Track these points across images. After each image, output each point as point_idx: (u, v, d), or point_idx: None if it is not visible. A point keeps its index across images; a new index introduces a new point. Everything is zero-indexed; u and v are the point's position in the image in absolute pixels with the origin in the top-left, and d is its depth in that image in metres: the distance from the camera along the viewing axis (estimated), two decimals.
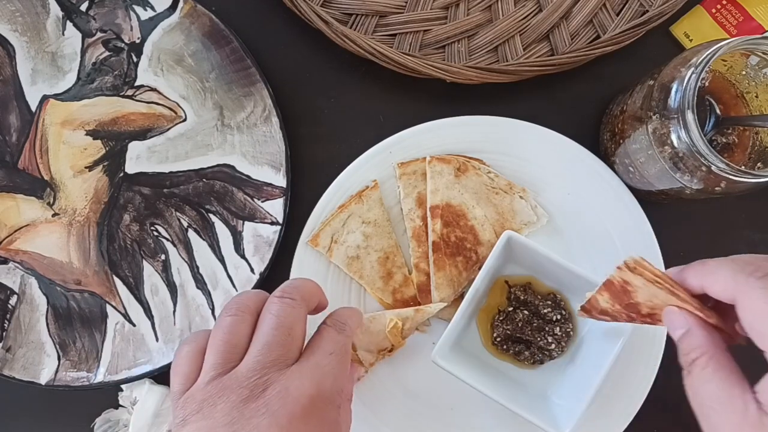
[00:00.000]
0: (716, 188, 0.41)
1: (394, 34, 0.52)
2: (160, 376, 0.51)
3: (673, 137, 0.41)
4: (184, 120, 0.53)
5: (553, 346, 0.48)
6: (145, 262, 0.52)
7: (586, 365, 0.47)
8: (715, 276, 0.32)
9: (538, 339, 0.48)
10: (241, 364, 0.34)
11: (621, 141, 0.47)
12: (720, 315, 0.34)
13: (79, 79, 0.52)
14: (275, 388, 0.33)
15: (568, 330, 0.48)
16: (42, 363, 0.51)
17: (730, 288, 0.31)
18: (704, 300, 0.34)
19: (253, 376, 0.33)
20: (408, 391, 0.50)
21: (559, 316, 0.48)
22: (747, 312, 0.30)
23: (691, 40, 0.53)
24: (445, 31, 0.52)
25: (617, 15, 0.52)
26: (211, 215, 0.52)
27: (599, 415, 0.48)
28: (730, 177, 0.39)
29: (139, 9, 0.52)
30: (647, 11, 0.51)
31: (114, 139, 0.53)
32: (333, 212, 0.50)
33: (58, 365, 0.51)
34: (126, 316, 0.52)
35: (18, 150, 0.52)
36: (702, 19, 0.53)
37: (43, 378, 0.51)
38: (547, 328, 0.48)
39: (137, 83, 0.52)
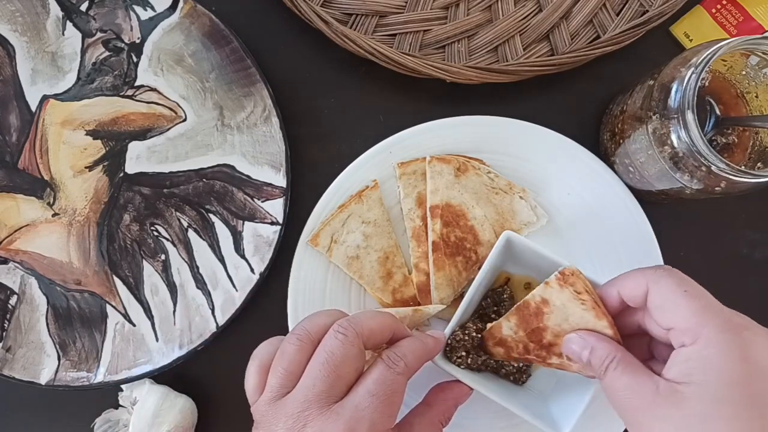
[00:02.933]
0: (716, 188, 0.41)
1: (394, 34, 0.52)
2: (160, 376, 0.51)
3: (673, 137, 0.41)
4: (184, 120, 0.53)
5: (513, 377, 0.47)
6: (145, 262, 0.52)
7: None
8: (627, 279, 0.37)
9: (501, 366, 0.47)
10: (293, 392, 0.36)
11: (621, 141, 0.47)
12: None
13: (79, 79, 0.52)
14: (312, 428, 0.35)
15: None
16: (42, 363, 0.51)
17: (641, 283, 0.36)
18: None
19: (298, 408, 0.35)
20: (408, 392, 0.50)
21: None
22: (656, 297, 0.35)
23: (691, 40, 0.53)
24: (445, 31, 0.52)
25: (617, 15, 0.52)
26: (211, 215, 0.52)
27: (599, 415, 0.48)
28: (730, 177, 0.39)
29: (139, 9, 0.52)
30: (647, 11, 0.51)
31: (114, 139, 0.53)
32: (333, 212, 0.50)
33: (58, 365, 0.51)
34: (126, 316, 0.52)
35: (18, 150, 0.52)
36: (702, 19, 0.53)
37: (43, 378, 0.51)
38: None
39: (137, 83, 0.52)
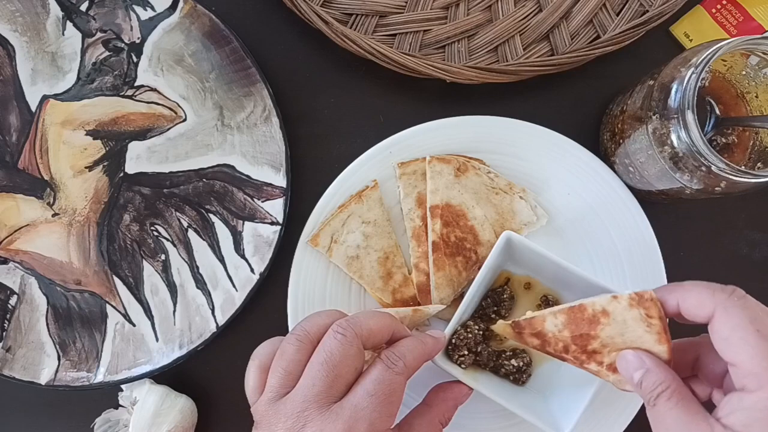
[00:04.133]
0: (716, 188, 0.41)
1: (394, 34, 0.52)
2: (160, 376, 0.51)
3: (673, 137, 0.41)
4: (184, 120, 0.53)
5: (513, 377, 0.47)
6: (145, 262, 0.52)
7: None
8: (693, 294, 0.34)
9: (501, 366, 0.47)
10: (292, 392, 0.36)
11: (621, 141, 0.47)
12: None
13: (79, 79, 0.52)
14: (312, 428, 0.35)
15: (525, 361, 0.47)
16: (42, 363, 0.51)
17: (707, 304, 0.33)
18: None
19: (297, 408, 0.35)
20: (408, 392, 0.50)
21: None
22: (725, 328, 0.32)
23: (691, 40, 0.53)
24: (445, 31, 0.52)
25: (617, 15, 0.52)
26: (211, 215, 0.52)
27: (599, 415, 0.48)
28: (730, 177, 0.39)
29: (139, 9, 0.52)
30: (647, 11, 0.51)
31: (114, 139, 0.53)
32: (333, 212, 0.50)
33: (58, 365, 0.51)
34: (126, 316, 0.52)
35: (18, 150, 0.52)
36: (702, 19, 0.53)
37: (43, 378, 0.51)
38: (503, 357, 0.47)
39: (137, 83, 0.52)
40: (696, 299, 0.34)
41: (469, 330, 0.45)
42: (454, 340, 0.45)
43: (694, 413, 0.32)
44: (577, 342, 0.38)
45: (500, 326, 0.43)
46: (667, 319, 0.37)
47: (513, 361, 0.47)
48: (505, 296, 0.48)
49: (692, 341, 0.38)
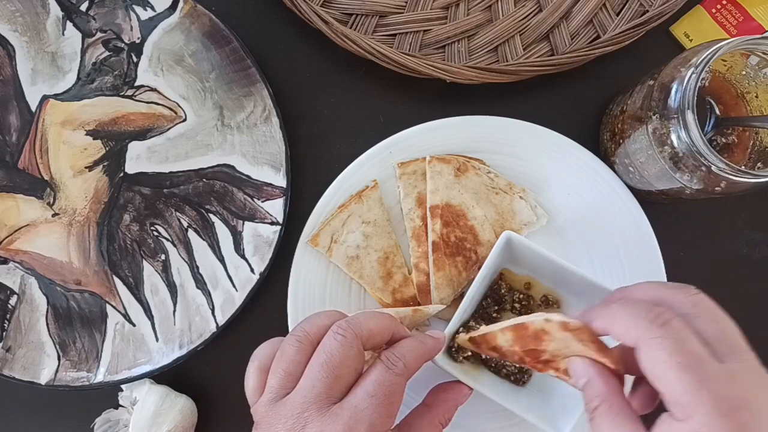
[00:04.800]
0: (716, 188, 0.41)
1: (394, 34, 0.52)
2: (160, 376, 0.51)
3: (673, 137, 0.41)
4: (184, 120, 0.53)
5: (514, 377, 0.47)
6: (145, 262, 0.52)
7: None
8: (618, 321, 0.33)
9: (503, 366, 0.47)
10: (292, 393, 0.36)
11: (621, 141, 0.47)
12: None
13: (79, 79, 0.52)
14: (312, 429, 0.35)
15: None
16: (42, 363, 0.51)
17: (632, 335, 0.32)
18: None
19: (297, 409, 0.35)
20: (408, 392, 0.50)
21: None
22: (647, 360, 0.31)
23: (691, 40, 0.53)
24: (445, 31, 0.52)
25: (617, 15, 0.52)
26: (211, 215, 0.52)
27: None
28: (730, 177, 0.39)
29: (139, 9, 0.52)
30: (647, 11, 0.51)
31: (114, 139, 0.53)
32: (333, 212, 0.50)
33: (58, 365, 0.51)
34: (126, 316, 0.52)
35: (18, 150, 0.52)
36: (702, 19, 0.53)
37: (43, 378, 0.51)
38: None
39: (137, 83, 0.52)
40: (621, 328, 0.33)
41: (471, 330, 0.45)
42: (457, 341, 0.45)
43: (627, 430, 0.32)
44: (530, 355, 0.39)
45: (461, 340, 0.43)
46: None
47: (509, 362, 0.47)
48: (502, 291, 0.48)
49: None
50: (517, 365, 0.47)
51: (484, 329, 0.41)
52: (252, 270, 0.51)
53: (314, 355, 0.37)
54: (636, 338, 0.32)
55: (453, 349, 0.46)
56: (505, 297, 0.48)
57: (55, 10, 0.51)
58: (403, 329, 0.41)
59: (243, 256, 0.51)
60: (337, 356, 0.36)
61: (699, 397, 0.29)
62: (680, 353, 0.30)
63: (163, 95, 0.52)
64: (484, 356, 0.46)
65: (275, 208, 0.51)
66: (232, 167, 0.52)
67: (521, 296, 0.49)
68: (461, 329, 0.46)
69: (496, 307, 0.48)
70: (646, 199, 0.50)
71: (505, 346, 0.40)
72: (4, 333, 0.51)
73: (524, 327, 0.38)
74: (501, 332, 0.40)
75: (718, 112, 0.45)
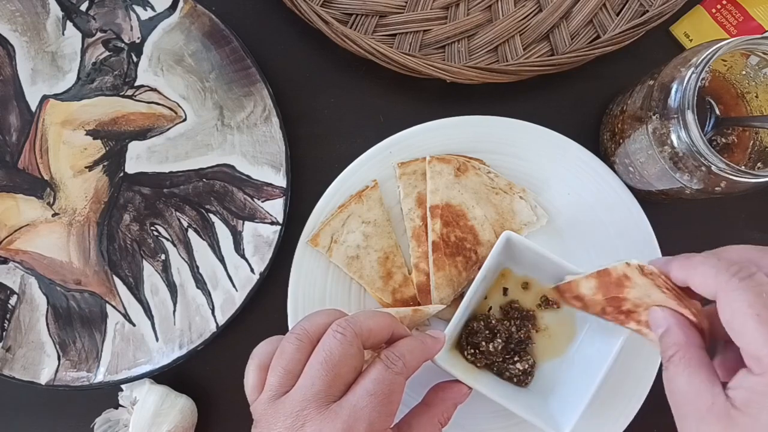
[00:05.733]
0: (716, 188, 0.41)
1: (394, 34, 0.52)
2: (160, 376, 0.51)
3: (673, 137, 0.41)
4: (184, 120, 0.53)
5: (517, 379, 0.47)
6: (145, 262, 0.52)
7: (585, 365, 0.47)
8: (698, 271, 0.33)
9: (506, 369, 0.48)
10: (292, 391, 0.36)
11: (621, 141, 0.47)
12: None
13: (79, 79, 0.52)
14: (311, 427, 0.35)
15: (529, 364, 0.48)
16: (42, 363, 0.51)
17: (711, 285, 0.32)
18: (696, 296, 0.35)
19: (296, 408, 0.35)
20: (407, 391, 0.50)
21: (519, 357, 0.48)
22: (726, 311, 0.31)
23: (691, 40, 0.53)
24: (445, 31, 0.52)
25: (617, 15, 0.52)
26: (211, 215, 0.52)
27: (599, 415, 0.48)
28: (730, 177, 0.39)
29: (139, 9, 0.52)
30: (647, 11, 0.51)
31: (114, 139, 0.53)
32: (333, 212, 0.51)
33: (58, 365, 0.51)
34: (126, 316, 0.52)
35: (18, 150, 0.52)
36: (702, 19, 0.53)
37: (43, 378, 0.51)
38: (509, 359, 0.48)
39: (137, 83, 0.52)
40: (701, 278, 0.33)
41: (482, 321, 0.46)
42: (465, 335, 0.46)
43: (701, 382, 0.32)
44: (612, 303, 0.39)
45: (548, 291, 0.46)
46: None
47: (518, 365, 0.47)
48: (492, 322, 0.48)
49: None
50: (523, 367, 0.47)
51: (570, 277, 0.41)
52: (252, 270, 0.51)
53: (314, 353, 0.37)
54: (716, 288, 0.32)
55: (464, 343, 0.46)
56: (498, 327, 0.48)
57: (55, 10, 0.51)
58: (402, 328, 0.41)
59: (243, 256, 0.51)
60: (336, 355, 0.36)
61: None
62: (760, 305, 0.30)
63: (163, 95, 0.52)
64: (497, 347, 0.46)
65: (275, 208, 0.51)
66: (232, 167, 0.52)
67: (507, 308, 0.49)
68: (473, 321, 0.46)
69: (488, 333, 0.48)
70: (646, 199, 0.50)
71: (589, 294, 0.40)
72: (4, 333, 0.51)
73: (607, 273, 0.38)
74: (585, 279, 0.40)
75: (718, 112, 0.45)
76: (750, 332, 0.30)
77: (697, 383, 0.32)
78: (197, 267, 0.52)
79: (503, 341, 0.47)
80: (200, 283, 0.52)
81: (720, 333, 0.34)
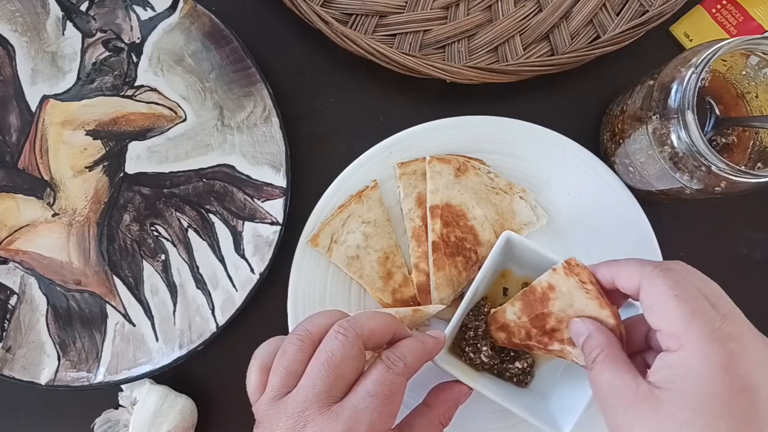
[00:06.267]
0: (716, 188, 0.41)
1: (394, 34, 0.52)
2: (160, 376, 0.51)
3: (673, 137, 0.41)
4: (184, 120, 0.53)
5: (517, 378, 0.47)
6: (145, 262, 0.52)
7: None
8: (624, 268, 0.37)
9: (506, 370, 0.47)
10: (293, 392, 0.36)
11: (621, 141, 0.47)
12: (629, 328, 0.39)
13: (79, 79, 0.52)
14: (312, 428, 0.35)
15: (528, 363, 0.48)
16: (42, 363, 0.51)
17: (635, 279, 0.35)
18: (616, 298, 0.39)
19: (298, 408, 0.35)
20: (408, 392, 0.50)
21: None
22: (649, 296, 0.35)
23: (691, 40, 0.53)
24: (445, 31, 0.52)
25: (617, 15, 0.52)
26: (211, 215, 0.52)
27: (599, 415, 0.48)
28: (730, 177, 0.39)
29: (139, 9, 0.52)
30: (647, 11, 0.51)
31: (114, 139, 0.53)
32: (333, 212, 0.50)
33: (58, 365, 0.51)
34: (126, 316, 0.52)
35: (18, 150, 0.52)
36: (702, 19, 0.53)
37: (43, 378, 0.51)
38: (508, 359, 0.47)
39: (137, 83, 0.52)
40: (627, 273, 0.36)
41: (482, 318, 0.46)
42: (470, 337, 0.46)
43: (624, 373, 0.34)
44: (536, 324, 0.41)
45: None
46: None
47: (517, 364, 0.47)
48: (485, 310, 0.48)
49: (640, 318, 0.39)
50: (523, 366, 0.47)
51: (494, 309, 0.43)
52: (252, 270, 0.51)
53: (315, 354, 0.37)
54: (640, 278, 0.35)
55: (466, 345, 0.46)
56: (483, 317, 0.48)
57: (55, 10, 0.51)
58: (404, 329, 0.41)
59: (243, 256, 0.51)
60: (338, 355, 0.36)
61: (692, 324, 0.32)
62: (678, 288, 0.33)
63: (163, 95, 0.52)
64: (485, 351, 0.46)
65: (275, 208, 0.51)
66: (232, 167, 0.52)
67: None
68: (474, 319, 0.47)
69: (477, 323, 0.47)
70: (646, 199, 0.50)
71: (513, 320, 0.42)
72: (4, 333, 0.51)
73: (532, 291, 0.41)
74: (510, 304, 0.42)
75: (718, 112, 0.45)
76: (670, 311, 0.33)
77: (621, 374, 0.34)
78: (197, 267, 0.52)
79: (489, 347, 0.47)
80: (200, 283, 0.52)
81: (632, 347, 0.39)
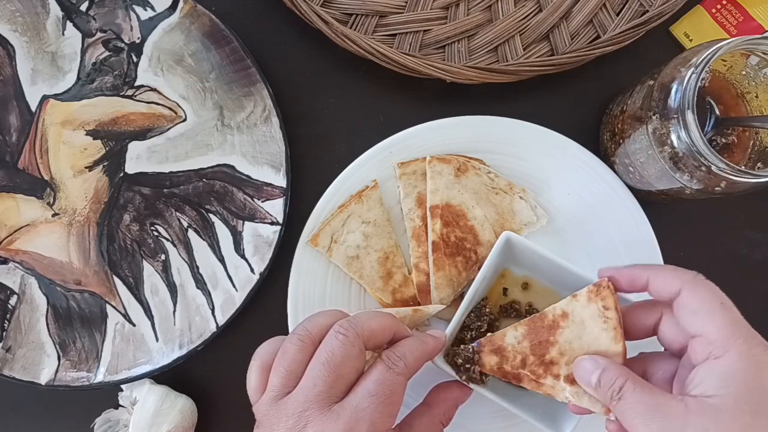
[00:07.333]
0: (716, 188, 0.41)
1: (394, 34, 0.52)
2: (160, 376, 0.51)
3: (673, 137, 0.41)
4: (184, 120, 0.53)
5: None
6: (145, 262, 0.52)
7: None
8: (660, 273, 0.37)
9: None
10: (294, 392, 0.36)
11: (621, 141, 0.47)
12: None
13: (79, 79, 0.52)
14: (313, 428, 0.35)
15: None
16: (42, 363, 0.51)
17: (674, 283, 0.36)
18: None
19: (299, 408, 0.35)
20: (408, 392, 0.50)
21: None
22: (693, 301, 0.35)
23: (691, 40, 0.53)
24: (445, 31, 0.52)
25: (617, 15, 0.52)
26: (211, 215, 0.52)
27: (599, 416, 0.48)
28: (730, 177, 0.39)
29: (139, 9, 0.52)
30: (647, 11, 0.51)
31: (114, 139, 0.53)
32: (333, 212, 0.50)
33: (58, 365, 0.51)
34: (126, 316, 0.52)
35: (18, 150, 0.52)
36: (702, 19, 0.53)
37: (43, 378, 0.51)
38: None
39: (137, 83, 0.52)
40: (664, 278, 0.37)
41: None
42: (471, 337, 0.46)
43: (660, 395, 0.34)
44: (536, 352, 0.40)
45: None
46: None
47: (498, 377, 0.47)
48: (486, 310, 0.47)
49: (654, 303, 0.39)
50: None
51: (490, 334, 0.42)
52: (252, 270, 0.51)
53: (316, 354, 0.37)
54: (680, 284, 0.35)
55: (458, 362, 0.45)
56: (485, 318, 0.48)
57: (55, 10, 0.51)
58: (404, 329, 0.41)
59: (243, 256, 0.51)
60: (338, 355, 0.36)
61: (737, 330, 0.33)
62: (722, 296, 0.35)
63: (163, 95, 0.52)
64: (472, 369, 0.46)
65: (275, 208, 0.51)
66: (232, 167, 0.52)
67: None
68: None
69: (479, 323, 0.47)
70: (646, 199, 0.50)
71: (513, 344, 0.41)
72: (4, 333, 0.51)
73: (542, 317, 0.40)
74: (513, 329, 0.41)
75: (718, 112, 0.45)
76: (716, 317, 0.34)
77: (658, 396, 0.34)
78: (197, 267, 0.52)
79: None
80: (200, 283, 0.52)
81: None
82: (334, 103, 0.54)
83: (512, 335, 0.41)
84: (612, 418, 0.37)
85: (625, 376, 0.35)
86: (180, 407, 0.50)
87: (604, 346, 0.38)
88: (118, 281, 0.52)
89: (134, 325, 0.52)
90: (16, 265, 0.52)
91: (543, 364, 0.40)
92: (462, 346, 0.43)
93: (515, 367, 0.41)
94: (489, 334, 0.43)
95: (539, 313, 0.40)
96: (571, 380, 0.39)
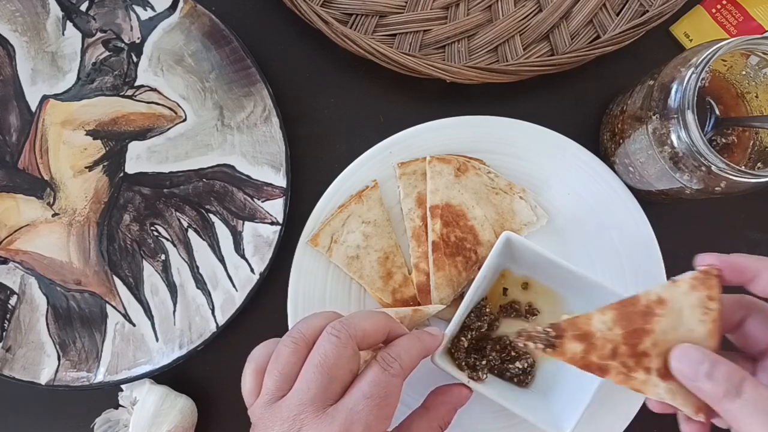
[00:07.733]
0: (716, 188, 0.41)
1: (394, 34, 0.52)
2: (160, 376, 0.51)
3: (673, 137, 0.41)
4: (184, 120, 0.53)
5: (518, 378, 0.48)
6: (145, 262, 0.52)
7: None
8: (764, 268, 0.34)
9: (506, 370, 0.48)
10: (288, 395, 0.36)
11: (621, 141, 0.47)
12: None
13: (79, 79, 0.52)
14: (307, 431, 0.35)
15: (529, 363, 0.48)
16: (42, 363, 0.51)
17: None
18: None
19: (293, 412, 0.35)
20: (408, 392, 0.50)
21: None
22: None
23: (691, 40, 0.53)
24: (445, 31, 0.52)
25: (617, 15, 0.52)
26: (211, 215, 0.52)
27: (599, 415, 0.48)
28: (730, 177, 0.39)
29: (139, 9, 0.52)
30: (647, 11, 0.51)
31: (114, 139, 0.53)
32: (333, 212, 0.50)
33: (58, 365, 0.51)
34: (126, 316, 0.52)
35: (18, 150, 0.52)
36: (702, 19, 0.53)
37: (43, 378, 0.51)
38: (508, 359, 0.48)
39: (137, 83, 0.52)
40: None
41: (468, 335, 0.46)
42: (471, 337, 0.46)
43: None
44: (629, 341, 0.34)
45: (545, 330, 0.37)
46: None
47: (517, 364, 0.47)
48: (487, 310, 0.48)
49: (740, 301, 0.37)
50: (523, 365, 0.47)
51: (565, 317, 0.36)
52: (252, 270, 0.51)
53: (309, 356, 0.37)
54: None
55: (468, 359, 0.46)
56: (485, 318, 0.48)
57: (55, 10, 0.51)
58: (399, 327, 0.41)
59: (243, 256, 0.51)
60: (331, 357, 0.36)
61: None
62: None
63: (163, 95, 0.52)
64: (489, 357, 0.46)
65: (275, 208, 0.51)
66: (232, 167, 0.52)
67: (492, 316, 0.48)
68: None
69: (479, 323, 0.48)
70: (646, 199, 0.50)
71: (602, 330, 0.35)
72: (4, 333, 0.51)
73: (634, 301, 0.35)
74: (600, 312, 0.35)
75: (718, 112, 0.45)
76: None
77: None
78: (197, 267, 0.52)
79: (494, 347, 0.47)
80: (200, 283, 0.52)
81: None
82: (334, 103, 0.54)
83: (599, 320, 0.35)
84: (700, 419, 0.34)
85: (740, 372, 0.32)
86: (180, 407, 0.50)
87: (697, 341, 0.34)
88: (118, 281, 0.52)
89: (134, 325, 0.52)
90: (16, 265, 0.52)
91: (635, 356, 0.34)
92: (540, 328, 0.36)
93: (604, 357, 0.35)
94: (565, 316, 0.36)
95: (628, 297, 0.35)
96: (663, 374, 0.34)
